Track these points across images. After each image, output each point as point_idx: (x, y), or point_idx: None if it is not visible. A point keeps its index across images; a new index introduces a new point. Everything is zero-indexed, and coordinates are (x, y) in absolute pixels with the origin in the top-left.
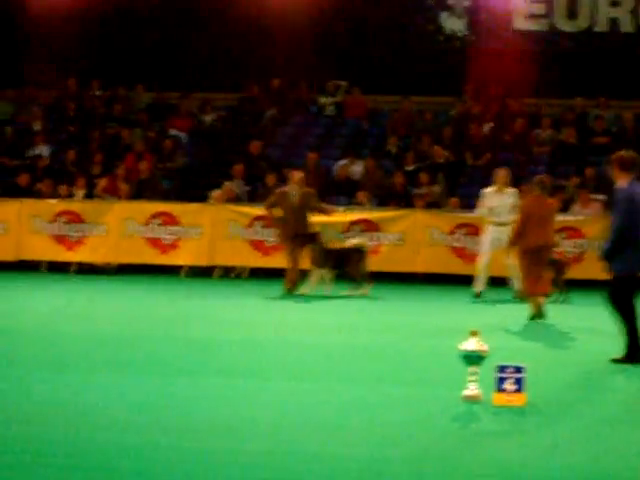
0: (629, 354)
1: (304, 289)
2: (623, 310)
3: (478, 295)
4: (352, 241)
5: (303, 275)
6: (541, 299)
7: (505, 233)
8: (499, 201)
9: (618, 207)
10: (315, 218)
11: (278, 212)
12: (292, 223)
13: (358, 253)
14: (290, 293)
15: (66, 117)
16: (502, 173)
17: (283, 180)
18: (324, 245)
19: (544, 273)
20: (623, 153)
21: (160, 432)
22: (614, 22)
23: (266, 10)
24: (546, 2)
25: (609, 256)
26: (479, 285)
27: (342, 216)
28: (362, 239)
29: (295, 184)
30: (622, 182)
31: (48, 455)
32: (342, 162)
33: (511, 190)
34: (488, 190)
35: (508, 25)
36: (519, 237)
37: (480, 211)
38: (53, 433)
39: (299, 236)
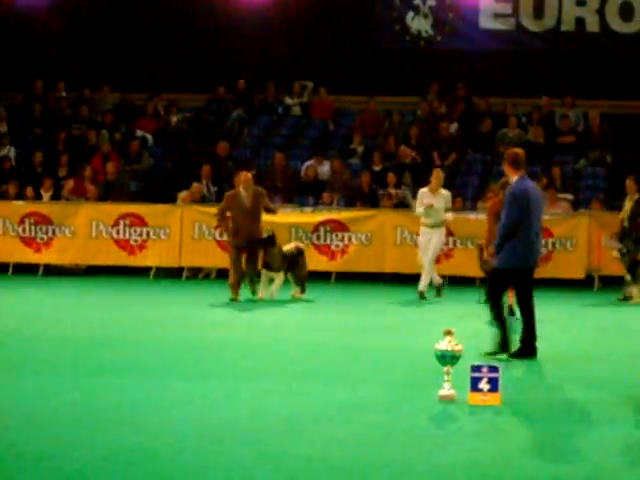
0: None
1: (271, 293)
2: (494, 303)
3: (422, 295)
4: (291, 244)
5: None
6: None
7: (435, 235)
8: (432, 202)
9: (507, 202)
10: (284, 218)
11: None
12: (244, 225)
13: (301, 256)
14: (236, 300)
15: (32, 119)
16: (437, 174)
17: None
18: (281, 248)
19: None
20: (516, 150)
21: (135, 433)
22: (580, 22)
23: (232, 11)
24: (512, 1)
25: (499, 251)
26: (422, 285)
27: (310, 216)
28: (299, 242)
29: (243, 184)
30: (513, 178)
31: (20, 457)
32: (309, 162)
33: (445, 192)
34: (423, 190)
35: (474, 24)
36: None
37: (418, 211)
38: (28, 435)
39: (254, 241)
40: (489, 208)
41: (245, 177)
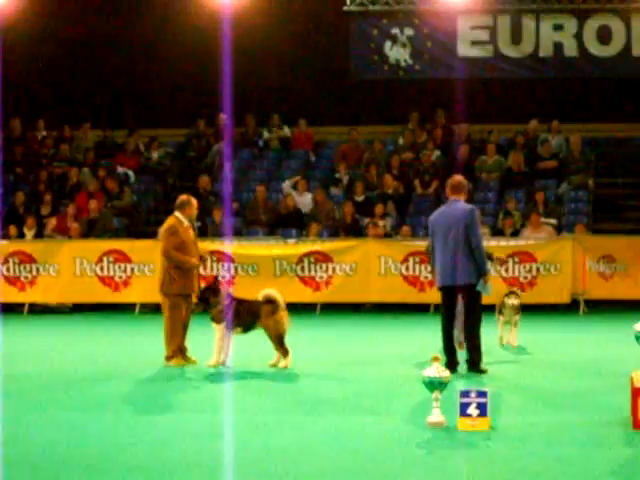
0: None
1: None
2: None
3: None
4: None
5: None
6: None
7: None
8: None
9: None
10: (268, 251)
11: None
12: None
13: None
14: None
15: (13, 159)
16: None
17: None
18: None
19: None
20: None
21: (134, 472)
22: (558, 46)
23: (210, 45)
24: (490, 28)
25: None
26: None
27: (294, 248)
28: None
29: (191, 212)
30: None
31: None
32: (287, 190)
33: None
34: None
35: (453, 52)
36: None
37: None
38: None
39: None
40: None
41: (193, 202)
